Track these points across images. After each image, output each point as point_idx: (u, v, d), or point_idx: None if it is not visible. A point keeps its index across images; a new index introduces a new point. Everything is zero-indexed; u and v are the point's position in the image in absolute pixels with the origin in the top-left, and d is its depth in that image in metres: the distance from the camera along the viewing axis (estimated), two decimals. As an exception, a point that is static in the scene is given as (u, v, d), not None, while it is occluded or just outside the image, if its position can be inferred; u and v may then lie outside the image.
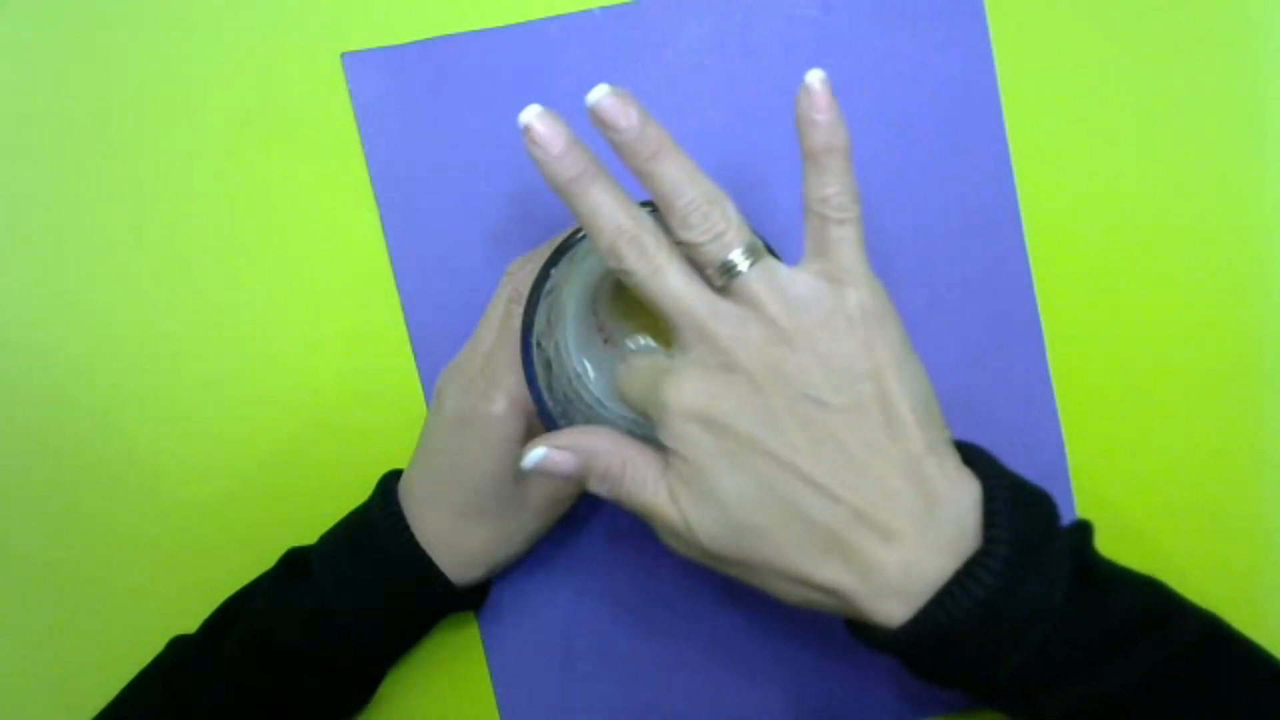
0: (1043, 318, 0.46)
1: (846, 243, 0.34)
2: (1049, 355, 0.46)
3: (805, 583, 0.34)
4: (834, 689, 0.46)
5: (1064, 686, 0.33)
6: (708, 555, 0.35)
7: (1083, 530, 0.35)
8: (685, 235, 0.33)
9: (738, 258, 0.33)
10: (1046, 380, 0.46)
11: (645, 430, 0.41)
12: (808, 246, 0.35)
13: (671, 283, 0.34)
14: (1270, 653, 0.35)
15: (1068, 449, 0.46)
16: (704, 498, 0.34)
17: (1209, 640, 0.35)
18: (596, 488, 0.36)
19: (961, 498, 0.33)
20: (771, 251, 0.35)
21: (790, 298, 0.33)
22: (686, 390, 0.34)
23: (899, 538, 0.33)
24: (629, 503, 0.35)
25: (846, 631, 0.36)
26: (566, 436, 0.36)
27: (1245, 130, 0.46)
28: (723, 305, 0.34)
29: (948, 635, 0.32)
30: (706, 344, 0.34)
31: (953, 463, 0.34)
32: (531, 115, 0.33)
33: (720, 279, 0.34)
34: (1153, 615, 0.34)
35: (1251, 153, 0.46)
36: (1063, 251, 0.46)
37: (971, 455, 0.35)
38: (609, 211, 0.33)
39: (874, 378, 0.33)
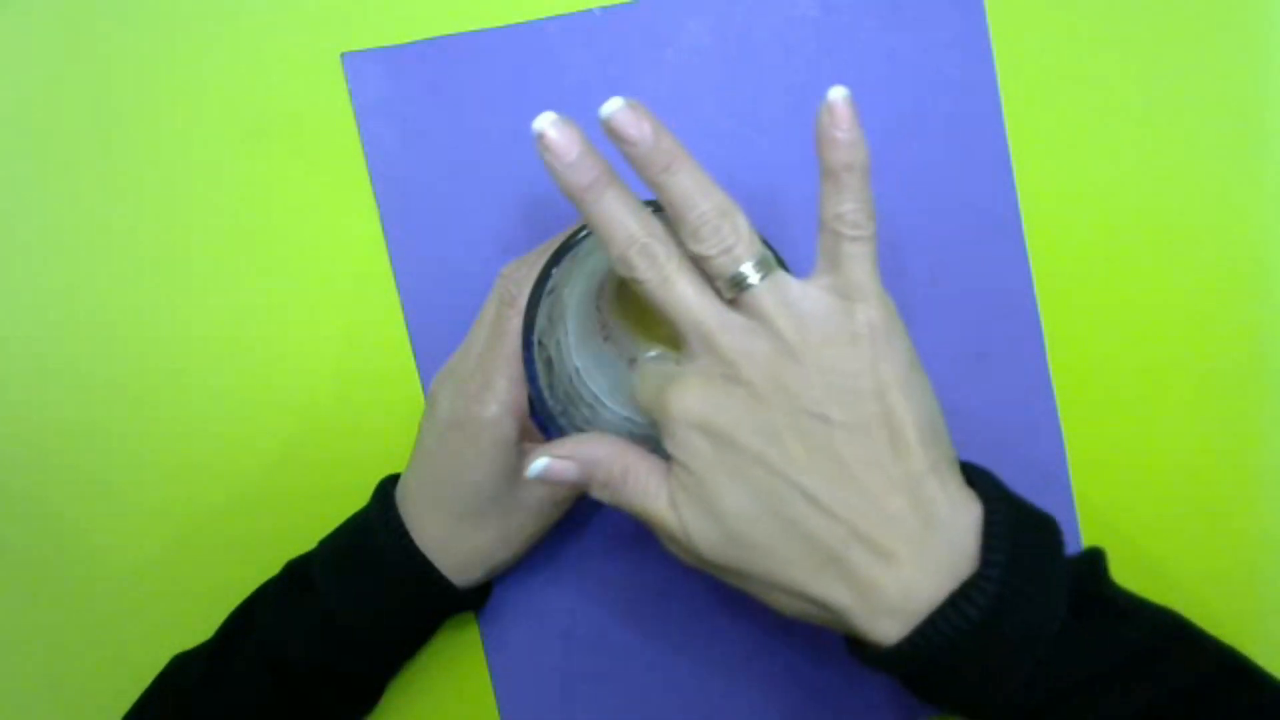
0: (1043, 318, 0.46)
1: (859, 259, 0.34)
2: (1049, 355, 0.46)
3: (801, 596, 0.34)
4: (836, 690, 0.46)
5: (1060, 713, 0.33)
6: (705, 563, 0.35)
7: (1094, 559, 0.35)
8: (696, 248, 0.34)
9: (748, 270, 0.33)
10: (1046, 380, 0.46)
11: (644, 430, 0.42)
12: (820, 261, 0.35)
13: (680, 292, 0.34)
14: None
15: (1068, 449, 0.46)
16: (703, 507, 0.34)
17: (1222, 677, 0.34)
18: (599, 494, 0.36)
19: (961, 519, 0.33)
20: (782, 264, 0.35)
21: (799, 313, 0.33)
22: (689, 399, 0.34)
23: (896, 558, 0.33)
24: (629, 509, 0.36)
25: (844, 648, 0.36)
26: (568, 445, 0.36)
27: (1245, 130, 0.46)
28: (731, 317, 0.34)
29: (941, 656, 0.32)
30: (712, 354, 0.34)
31: (955, 483, 0.34)
32: (545, 123, 0.33)
33: (730, 291, 0.34)
34: (1161, 648, 0.34)
35: (1251, 153, 0.46)
36: (1063, 251, 0.46)
37: (975, 476, 0.35)
38: (621, 220, 0.34)
39: (878, 396, 0.33)
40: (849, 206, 0.34)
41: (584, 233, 0.37)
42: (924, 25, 0.46)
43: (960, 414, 0.46)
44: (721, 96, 0.46)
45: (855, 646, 0.36)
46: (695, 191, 0.33)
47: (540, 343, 0.39)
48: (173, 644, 0.44)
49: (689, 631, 0.47)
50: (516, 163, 0.46)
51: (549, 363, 0.39)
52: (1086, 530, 0.46)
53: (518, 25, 0.46)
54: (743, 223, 0.34)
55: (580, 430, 0.39)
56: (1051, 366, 0.46)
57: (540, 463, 0.36)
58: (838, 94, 0.34)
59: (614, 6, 0.46)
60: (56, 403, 0.47)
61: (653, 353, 0.41)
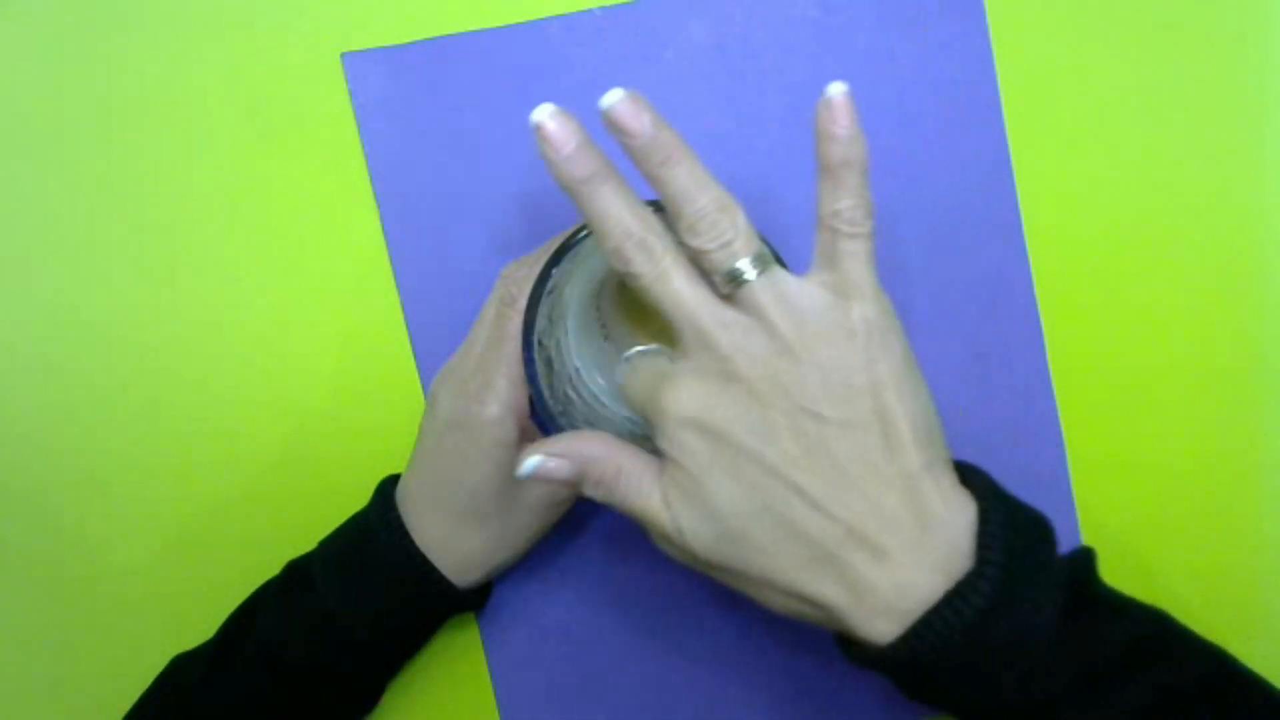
0: (1043, 318, 0.46)
1: (856, 257, 0.34)
2: (1049, 355, 0.46)
3: (794, 594, 0.34)
4: (834, 689, 0.46)
5: (1056, 714, 0.33)
6: (699, 562, 0.35)
7: (1084, 558, 0.35)
8: (693, 242, 0.34)
9: (745, 266, 0.33)
10: (1046, 380, 0.46)
11: (644, 430, 0.42)
12: (816, 258, 0.35)
13: (676, 287, 0.34)
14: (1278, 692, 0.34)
15: (1068, 449, 0.46)
16: (697, 505, 0.34)
17: (1211, 677, 0.34)
18: (591, 492, 0.36)
19: (956, 518, 0.33)
20: (779, 261, 0.35)
21: (795, 309, 0.33)
22: (684, 396, 0.34)
23: (890, 556, 0.33)
24: (622, 507, 0.35)
25: (837, 648, 0.36)
26: (561, 443, 0.36)
27: (1245, 130, 0.46)
28: (727, 313, 0.34)
29: (936, 655, 0.32)
30: (708, 351, 0.34)
31: (949, 482, 0.34)
32: (544, 114, 0.33)
33: (726, 287, 0.34)
34: (1152, 648, 0.34)
35: (1251, 153, 0.46)
36: (1063, 251, 0.46)
37: (970, 475, 0.35)
38: (617, 214, 0.33)
39: (873, 393, 0.33)
40: (846, 204, 0.34)
41: (584, 233, 0.37)
42: (924, 25, 0.46)
43: (960, 414, 0.46)
44: (721, 96, 0.46)
45: (848, 646, 0.36)
46: (693, 186, 0.33)
47: (540, 343, 0.39)
48: (173, 644, 0.44)
49: (688, 631, 0.47)
50: (516, 163, 0.46)
51: (549, 363, 0.39)
52: (1086, 531, 0.46)
53: (518, 25, 0.46)
54: (741, 218, 0.34)
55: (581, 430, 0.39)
56: (1051, 366, 0.46)
57: (533, 460, 0.35)
58: (837, 90, 0.34)
59: (614, 6, 0.46)
60: (56, 403, 0.47)
61: (640, 347, 0.40)
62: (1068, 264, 0.46)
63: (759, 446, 0.33)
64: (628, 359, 0.38)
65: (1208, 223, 0.46)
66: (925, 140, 0.46)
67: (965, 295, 0.46)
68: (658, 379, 0.35)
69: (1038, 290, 0.46)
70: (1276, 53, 0.46)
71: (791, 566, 0.33)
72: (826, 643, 0.46)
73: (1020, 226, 0.46)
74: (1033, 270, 0.46)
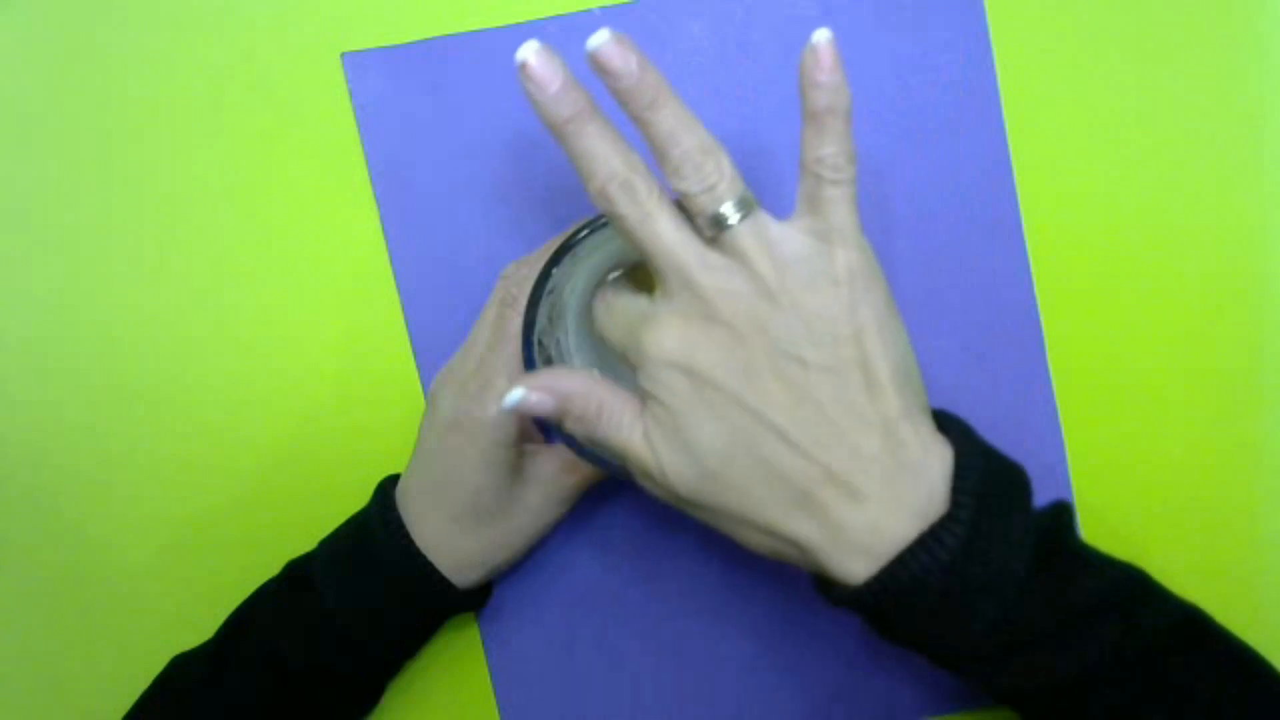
0: (1043, 318, 0.46)
1: (839, 202, 0.34)
2: (1049, 355, 0.46)
3: (772, 533, 0.34)
4: (836, 690, 0.46)
5: (1022, 657, 0.33)
6: (679, 499, 0.35)
7: (1059, 511, 0.36)
8: (678, 184, 0.34)
9: (729, 210, 0.33)
10: (1046, 380, 0.46)
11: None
12: (800, 204, 0.35)
13: (660, 229, 0.34)
14: (1253, 650, 0.35)
15: (1068, 449, 0.46)
16: (678, 444, 0.34)
17: (1182, 630, 0.35)
18: (573, 428, 0.36)
19: (933, 463, 0.34)
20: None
21: (778, 254, 0.33)
22: (667, 337, 0.34)
23: (867, 498, 0.33)
24: (604, 443, 0.35)
25: (811, 587, 0.37)
26: (543, 378, 0.36)
27: (1245, 130, 0.46)
28: (711, 256, 0.34)
29: (908, 595, 0.33)
30: (691, 293, 0.34)
31: (927, 428, 0.34)
32: (529, 51, 0.33)
33: (710, 230, 0.34)
34: (1124, 599, 0.34)
35: (1251, 153, 0.46)
36: (1063, 251, 0.46)
37: (947, 423, 0.35)
38: (603, 154, 0.33)
39: (855, 340, 0.33)
40: (830, 150, 0.34)
41: (584, 232, 0.37)
42: (924, 25, 0.46)
43: (960, 413, 0.46)
44: (721, 96, 0.46)
45: (823, 585, 0.36)
46: (679, 128, 0.33)
47: (540, 343, 0.39)
48: (173, 644, 0.44)
49: (689, 632, 0.47)
50: (517, 163, 0.46)
51: (549, 362, 0.39)
52: (1086, 530, 0.46)
53: (518, 25, 0.46)
54: (726, 162, 0.34)
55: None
56: (1051, 366, 0.46)
57: (515, 394, 0.35)
58: (821, 36, 0.33)
59: (614, 6, 0.46)
60: (56, 403, 0.47)
61: (613, 275, 0.39)
62: (1068, 264, 0.46)
63: (740, 388, 0.33)
64: (602, 295, 0.37)
65: (1208, 223, 0.46)
66: (925, 140, 0.46)
67: (965, 294, 0.46)
68: (639, 319, 0.35)
69: (1038, 290, 0.46)
70: (1276, 53, 0.46)
71: (770, 506, 0.34)
72: (832, 642, 0.46)
73: (1020, 226, 0.46)
74: (1033, 270, 0.46)
